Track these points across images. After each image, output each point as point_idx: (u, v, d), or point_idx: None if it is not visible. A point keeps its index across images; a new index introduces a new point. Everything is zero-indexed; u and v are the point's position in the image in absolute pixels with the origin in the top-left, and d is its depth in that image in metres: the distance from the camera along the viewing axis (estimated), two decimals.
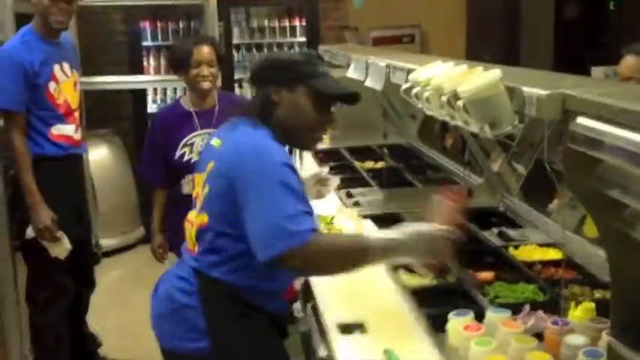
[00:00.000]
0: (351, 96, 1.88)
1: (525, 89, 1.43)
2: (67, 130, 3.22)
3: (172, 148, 2.95)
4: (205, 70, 2.92)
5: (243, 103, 3.14)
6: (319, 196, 2.46)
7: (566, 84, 1.43)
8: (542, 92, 1.36)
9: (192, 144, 2.95)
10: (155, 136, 3.03)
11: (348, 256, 1.69)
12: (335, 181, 2.54)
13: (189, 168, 2.92)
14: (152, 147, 3.03)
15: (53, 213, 3.09)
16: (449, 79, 1.63)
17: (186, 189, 2.94)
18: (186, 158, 2.94)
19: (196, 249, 1.87)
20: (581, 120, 1.26)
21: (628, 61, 1.97)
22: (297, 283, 2.07)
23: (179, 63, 2.97)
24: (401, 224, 1.79)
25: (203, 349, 1.81)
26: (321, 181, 2.47)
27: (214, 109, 3.01)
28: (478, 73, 1.55)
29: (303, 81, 1.82)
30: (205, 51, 2.93)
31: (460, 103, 1.49)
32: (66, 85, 3.22)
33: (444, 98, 1.60)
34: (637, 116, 1.12)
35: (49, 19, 3.10)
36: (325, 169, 2.70)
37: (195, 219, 1.88)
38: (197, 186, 1.93)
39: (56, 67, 3.17)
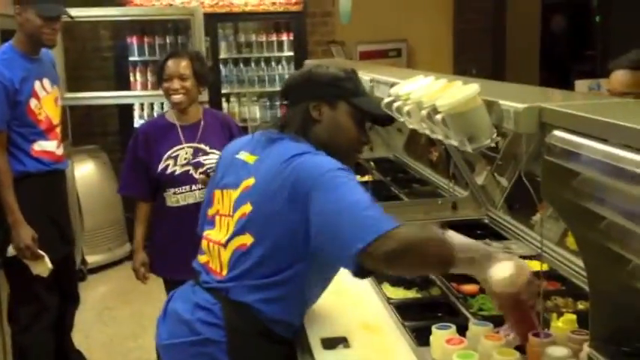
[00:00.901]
0: (388, 118, 1.89)
1: (503, 103, 1.44)
2: (49, 146, 3.21)
3: (155, 160, 2.94)
4: (176, 84, 2.91)
5: (228, 121, 3.16)
6: None
7: (544, 98, 1.44)
8: (520, 106, 1.38)
9: (176, 156, 2.94)
10: (138, 149, 3.00)
11: (438, 250, 1.57)
12: None
13: (173, 180, 2.91)
14: (135, 160, 3.01)
15: (34, 232, 3.07)
16: (428, 94, 1.64)
17: (169, 201, 2.94)
18: (169, 170, 2.93)
19: (227, 272, 1.76)
20: (557, 133, 1.27)
21: (618, 75, 1.95)
22: None
23: (157, 76, 3.00)
24: None
25: None
26: None
27: (199, 123, 3.00)
28: (457, 88, 1.56)
29: (345, 98, 1.79)
30: (178, 64, 2.92)
31: (439, 117, 1.50)
32: (47, 101, 3.22)
33: (424, 112, 1.61)
34: (612, 129, 1.13)
35: (42, 38, 3.11)
36: None
37: (229, 241, 1.76)
38: (226, 204, 1.82)
39: (37, 84, 3.17)
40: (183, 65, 2.92)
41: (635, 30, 5.57)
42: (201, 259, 1.89)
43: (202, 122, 3.01)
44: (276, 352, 1.81)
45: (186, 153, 2.92)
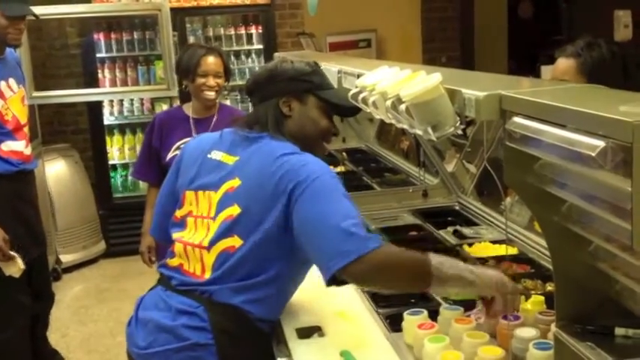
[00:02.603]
0: (355, 109, 1.95)
1: (465, 91, 1.47)
2: (17, 146, 3.19)
3: (166, 149, 3.00)
4: (212, 81, 2.97)
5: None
6: None
7: (505, 85, 1.47)
8: (480, 94, 1.40)
9: None
10: (152, 137, 3.06)
11: (414, 270, 1.63)
12: None
13: None
14: (149, 147, 3.08)
15: (4, 233, 3.05)
16: (393, 84, 1.66)
17: None
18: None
19: (209, 274, 1.74)
20: (517, 119, 1.29)
21: (558, 64, 1.98)
22: None
23: (185, 71, 3.00)
24: None
25: None
26: None
27: (212, 117, 3.06)
28: (420, 77, 1.59)
29: (313, 92, 1.82)
30: (213, 61, 2.98)
31: (403, 106, 1.52)
32: (13, 101, 3.19)
33: (389, 102, 1.63)
34: (568, 114, 1.16)
35: (7, 38, 3.10)
36: None
37: (213, 243, 1.74)
38: (197, 205, 1.80)
39: (2, 84, 3.14)
40: (219, 62, 2.99)
41: (601, 15, 5.66)
42: (172, 262, 1.85)
43: (215, 117, 3.06)
44: (259, 347, 1.83)
45: None
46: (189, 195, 1.83)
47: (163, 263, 1.90)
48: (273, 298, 1.77)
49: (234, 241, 1.72)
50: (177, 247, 1.83)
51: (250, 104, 1.96)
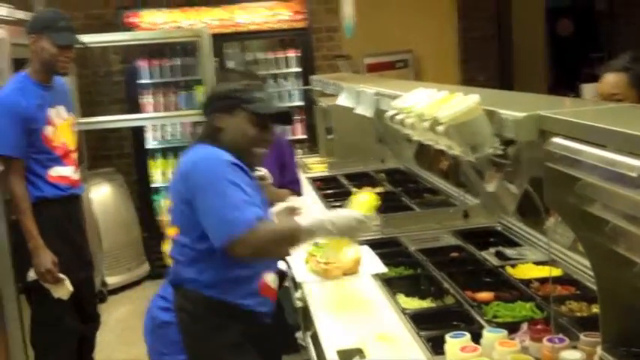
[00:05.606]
0: (285, 114, 2.16)
1: (503, 112, 1.47)
2: (66, 171, 3.28)
3: None
4: None
5: (281, 141, 3.22)
6: None
7: (543, 105, 1.47)
8: (519, 114, 1.40)
9: None
10: None
11: (286, 239, 2.02)
12: (303, 203, 2.61)
13: None
14: None
15: (54, 255, 3.13)
16: (430, 105, 1.67)
17: None
18: None
19: (171, 262, 2.10)
20: (556, 140, 1.29)
21: (607, 78, 1.99)
22: (272, 282, 2.16)
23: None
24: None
25: None
26: (291, 211, 2.50)
27: None
28: (458, 98, 1.59)
29: (240, 106, 2.07)
30: None
31: (441, 128, 1.53)
32: (62, 128, 3.28)
33: (426, 124, 1.64)
34: (609, 135, 1.16)
35: (56, 66, 3.19)
36: (292, 198, 2.76)
37: (167, 234, 2.14)
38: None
39: (51, 111, 3.24)
40: None
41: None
42: None
43: None
44: (230, 330, 2.03)
45: None
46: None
47: None
48: (216, 261, 2.01)
49: (174, 228, 2.10)
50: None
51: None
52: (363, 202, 2.14)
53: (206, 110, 2.16)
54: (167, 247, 2.16)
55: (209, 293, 2.03)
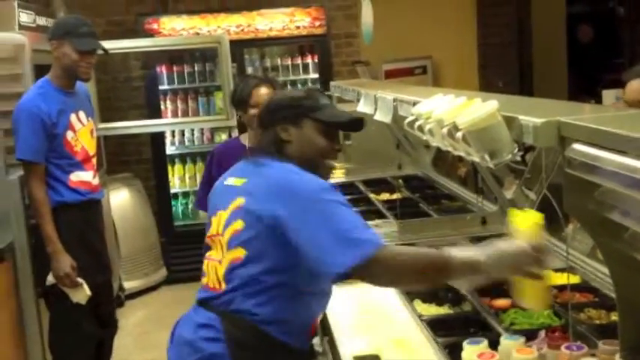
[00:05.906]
0: (356, 122, 1.97)
1: (522, 118, 1.47)
2: (86, 176, 3.31)
3: None
4: None
5: None
6: None
7: (562, 111, 1.46)
8: (538, 120, 1.40)
9: None
10: (212, 168, 3.12)
11: (427, 266, 1.66)
12: None
13: None
14: (209, 179, 3.10)
15: (73, 260, 3.16)
16: (448, 111, 1.67)
17: None
18: None
19: (224, 287, 1.85)
20: (577, 146, 1.28)
21: (632, 85, 1.98)
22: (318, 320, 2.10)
23: (239, 102, 3.08)
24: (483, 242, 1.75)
25: None
26: None
27: None
28: (476, 104, 1.59)
29: (307, 115, 1.91)
30: (263, 92, 3.01)
31: (459, 134, 1.53)
32: (83, 133, 3.32)
33: (445, 130, 1.64)
34: (630, 141, 1.15)
35: (78, 72, 3.23)
36: None
37: (223, 256, 1.86)
38: (217, 225, 1.91)
39: (72, 116, 3.28)
40: (268, 93, 3.00)
41: None
42: (203, 280, 1.96)
43: None
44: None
45: None
46: (213, 220, 1.97)
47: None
48: (279, 299, 1.81)
49: (239, 252, 1.83)
50: (204, 265, 1.96)
51: None
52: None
53: (264, 122, 1.99)
54: (215, 268, 1.89)
55: (265, 329, 1.82)
